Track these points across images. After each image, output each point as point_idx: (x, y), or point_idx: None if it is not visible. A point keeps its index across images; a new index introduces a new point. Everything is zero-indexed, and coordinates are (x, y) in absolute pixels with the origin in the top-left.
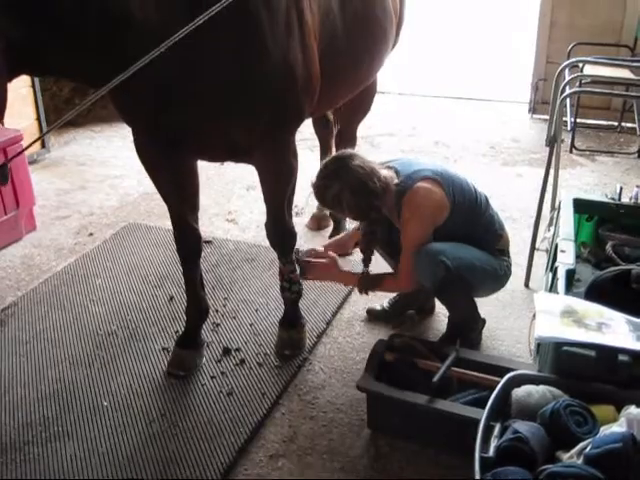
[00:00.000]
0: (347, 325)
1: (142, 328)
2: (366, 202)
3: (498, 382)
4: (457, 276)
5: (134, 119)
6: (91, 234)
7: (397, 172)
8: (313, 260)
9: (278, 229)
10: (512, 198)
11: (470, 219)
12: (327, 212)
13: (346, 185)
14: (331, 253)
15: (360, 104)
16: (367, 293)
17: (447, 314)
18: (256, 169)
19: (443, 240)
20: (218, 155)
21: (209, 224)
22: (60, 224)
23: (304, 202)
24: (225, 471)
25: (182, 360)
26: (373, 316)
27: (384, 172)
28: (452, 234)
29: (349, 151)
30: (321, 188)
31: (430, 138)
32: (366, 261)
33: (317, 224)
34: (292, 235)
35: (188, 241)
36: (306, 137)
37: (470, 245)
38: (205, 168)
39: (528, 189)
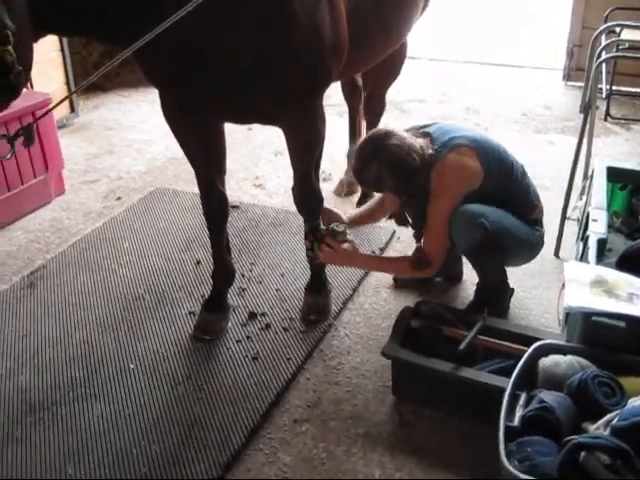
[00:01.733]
0: (373, 292)
1: (169, 292)
2: (406, 180)
3: (525, 351)
4: (494, 240)
5: (161, 81)
6: (119, 198)
7: (432, 139)
8: (331, 245)
9: (305, 193)
10: (544, 166)
11: (505, 188)
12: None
13: (384, 165)
14: (347, 243)
15: (389, 68)
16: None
17: (475, 282)
18: (283, 133)
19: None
20: (245, 118)
21: (236, 189)
22: (88, 188)
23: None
24: (249, 434)
25: (208, 324)
26: (400, 283)
27: (420, 142)
28: (486, 201)
29: (383, 129)
30: (360, 170)
31: (461, 105)
32: (417, 236)
33: (345, 190)
34: (319, 199)
35: (215, 204)
36: (335, 103)
37: (506, 212)
38: (232, 131)
39: (560, 157)
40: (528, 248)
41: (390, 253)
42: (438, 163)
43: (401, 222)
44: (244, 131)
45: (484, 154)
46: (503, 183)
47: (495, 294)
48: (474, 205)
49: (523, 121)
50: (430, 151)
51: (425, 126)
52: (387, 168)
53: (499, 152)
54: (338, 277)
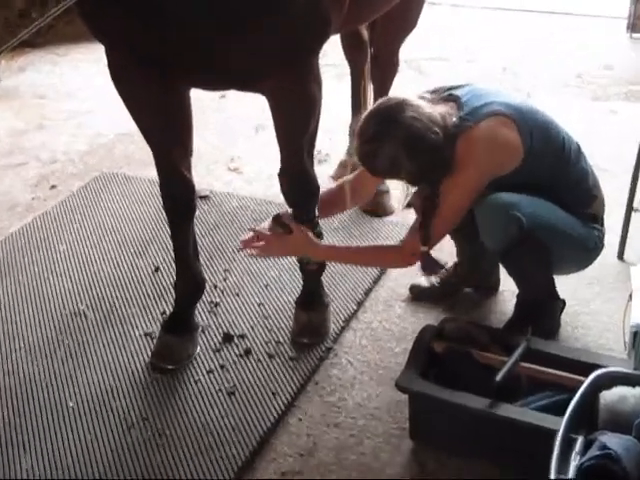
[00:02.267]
0: (384, 306)
1: (119, 308)
2: (429, 161)
3: (582, 382)
4: (533, 239)
5: (110, 35)
6: (53, 187)
7: (460, 105)
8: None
9: (295, 180)
10: (603, 142)
11: (553, 173)
12: None
13: (400, 146)
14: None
15: (402, 18)
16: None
17: (515, 293)
18: (268, 101)
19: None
20: (219, 81)
21: (206, 174)
22: (14, 174)
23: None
24: None
25: (170, 349)
26: (418, 294)
27: (440, 110)
28: (526, 190)
29: (394, 99)
30: (368, 154)
31: (495, 64)
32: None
33: (345, 174)
34: (313, 187)
35: (178, 195)
36: (333, 62)
37: (552, 203)
38: (201, 99)
39: (625, 131)
40: (582, 251)
41: None
42: (465, 133)
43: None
44: (216, 99)
45: (526, 126)
46: (550, 166)
47: (541, 309)
48: (505, 193)
49: (577, 85)
50: (454, 119)
51: (452, 88)
52: (404, 149)
53: (546, 125)
54: (339, 288)
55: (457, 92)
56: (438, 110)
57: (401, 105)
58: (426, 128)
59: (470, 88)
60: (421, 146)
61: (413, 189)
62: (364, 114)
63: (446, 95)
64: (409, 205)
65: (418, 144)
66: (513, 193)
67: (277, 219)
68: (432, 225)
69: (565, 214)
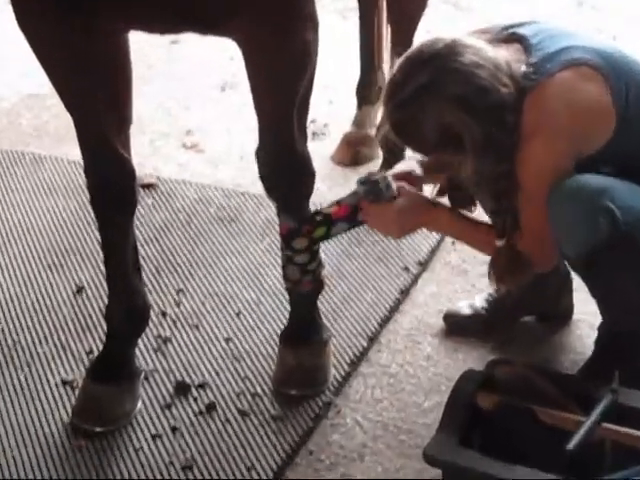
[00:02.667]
0: (407, 342)
1: (26, 345)
2: (499, 124)
3: None
4: (630, 242)
5: None
6: None
7: (529, 47)
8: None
9: (280, 161)
10: None
11: None
12: (371, 133)
13: (460, 104)
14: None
15: None
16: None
17: (596, 322)
18: (241, 49)
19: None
20: (168, 19)
21: (151, 152)
22: None
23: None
24: None
25: (99, 405)
26: (456, 326)
27: (504, 54)
28: (618, 171)
29: (441, 39)
30: (409, 122)
31: None
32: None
33: (351, 154)
34: (307, 172)
35: (111, 182)
36: None
37: None
38: (143, 47)
39: None
40: None
41: (437, 267)
42: (535, 90)
43: (460, 201)
44: (165, 46)
45: (620, 82)
46: None
47: (634, 346)
48: (592, 175)
49: None
50: (523, 68)
51: (513, 26)
52: (466, 110)
53: None
54: (342, 316)
55: (520, 30)
56: (502, 55)
57: (454, 47)
58: (492, 77)
59: (538, 26)
60: (486, 103)
61: (440, 174)
62: (398, 62)
63: (507, 34)
64: (442, 192)
65: (482, 100)
66: (603, 177)
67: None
68: (524, 224)
69: None
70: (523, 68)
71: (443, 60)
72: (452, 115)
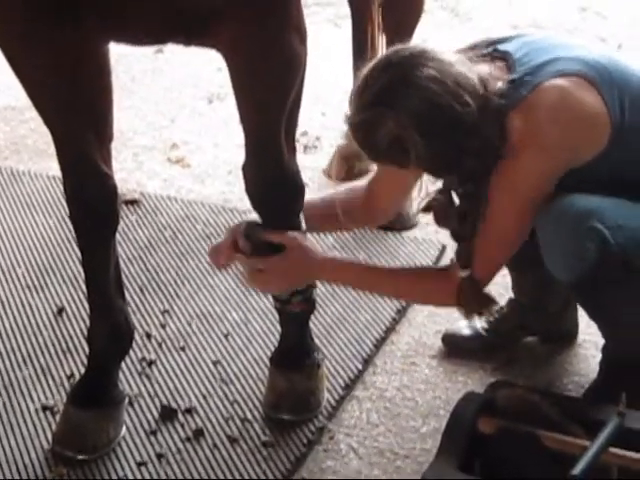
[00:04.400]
0: (404, 365)
1: (4, 368)
2: (450, 143)
3: None
4: (624, 263)
5: None
6: None
7: (512, 63)
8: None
9: (269, 177)
10: None
11: None
12: None
13: (410, 118)
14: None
15: None
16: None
17: (601, 343)
18: (226, 59)
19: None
20: (151, 28)
21: (135, 167)
22: None
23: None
24: None
25: (81, 431)
26: (456, 347)
27: (482, 70)
28: (611, 184)
29: (411, 48)
30: (363, 127)
31: (571, 2)
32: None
33: (345, 168)
34: (296, 188)
35: (92, 199)
36: (327, 0)
37: None
38: (126, 57)
39: None
40: None
41: None
42: (520, 104)
43: (445, 220)
44: (149, 56)
45: (614, 91)
46: None
47: (638, 367)
48: (581, 195)
49: None
50: (500, 84)
51: (498, 41)
52: (414, 122)
53: None
54: (336, 337)
55: (505, 46)
56: (477, 71)
57: (419, 57)
58: (450, 94)
59: (524, 40)
60: (439, 121)
61: (433, 186)
62: (365, 67)
63: (490, 51)
64: (427, 209)
65: (434, 118)
66: (590, 195)
67: (250, 236)
68: (477, 239)
69: None
70: (499, 85)
71: (402, 70)
72: (401, 128)
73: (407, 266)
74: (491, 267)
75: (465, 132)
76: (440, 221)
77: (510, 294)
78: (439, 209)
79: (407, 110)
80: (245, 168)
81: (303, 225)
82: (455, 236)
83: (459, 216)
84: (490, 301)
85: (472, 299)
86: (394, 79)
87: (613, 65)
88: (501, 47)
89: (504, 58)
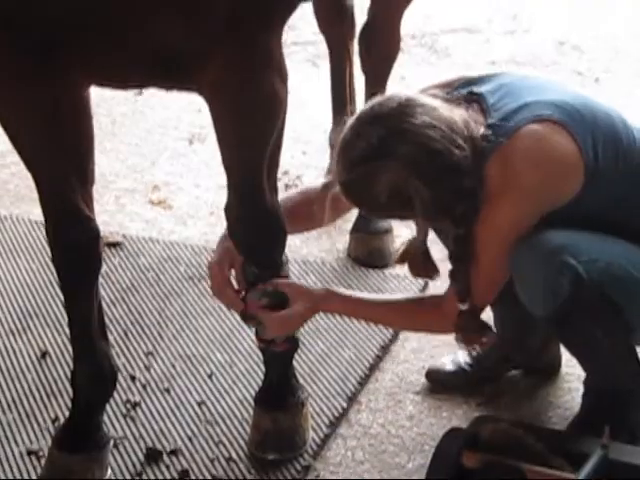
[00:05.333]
0: (389, 402)
1: None
2: (450, 187)
3: None
4: (598, 297)
5: None
6: None
7: (486, 108)
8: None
9: (250, 218)
10: None
11: (626, 200)
12: None
13: (409, 167)
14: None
15: None
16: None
17: (583, 375)
18: (206, 101)
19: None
20: (132, 74)
21: (117, 210)
22: None
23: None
24: None
25: (66, 475)
26: (440, 382)
27: (461, 115)
28: (588, 223)
29: (395, 97)
30: (358, 184)
31: (547, 36)
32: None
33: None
34: (277, 228)
35: (75, 242)
36: (305, 39)
37: (626, 243)
38: (107, 101)
39: None
40: None
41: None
42: (498, 150)
43: (421, 270)
44: (130, 99)
45: (587, 135)
46: (622, 192)
47: (623, 400)
48: (554, 231)
49: None
50: (482, 130)
51: (471, 82)
52: (415, 172)
53: (616, 132)
54: (320, 376)
55: (479, 88)
56: (459, 115)
57: (406, 106)
58: (446, 139)
59: (498, 82)
60: (439, 166)
61: (409, 235)
62: (348, 122)
63: (464, 93)
64: (404, 258)
65: (434, 163)
66: (564, 231)
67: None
68: (469, 276)
69: None
70: (482, 130)
71: (394, 120)
72: (401, 178)
73: (403, 298)
74: (485, 299)
75: (462, 175)
76: (415, 273)
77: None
78: (415, 261)
79: (406, 160)
80: (227, 209)
81: (285, 262)
82: (451, 275)
83: (455, 258)
84: (487, 327)
85: (471, 328)
86: (387, 131)
87: (586, 108)
88: (476, 89)
89: (478, 101)
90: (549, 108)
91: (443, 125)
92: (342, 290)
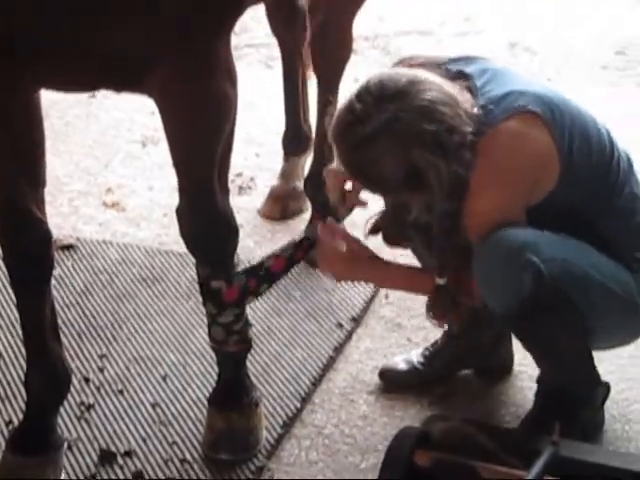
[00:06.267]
0: (342, 402)
1: None
2: (464, 164)
3: None
4: (558, 296)
5: None
6: None
7: (475, 89)
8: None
9: (202, 220)
10: None
11: (594, 198)
12: (299, 186)
13: (428, 144)
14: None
15: None
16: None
17: (536, 374)
18: (157, 105)
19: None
20: (83, 78)
21: (70, 212)
22: None
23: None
24: None
25: (20, 478)
26: (393, 382)
27: (459, 92)
28: (558, 222)
29: (402, 74)
30: (371, 163)
31: (499, 37)
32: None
33: (279, 208)
34: (229, 229)
35: (26, 245)
36: (259, 41)
37: (587, 245)
38: (59, 103)
39: None
40: (633, 312)
41: (371, 322)
42: (484, 137)
43: (395, 240)
44: (83, 102)
45: (564, 129)
46: (591, 188)
47: (575, 398)
48: (517, 229)
49: (618, 66)
50: (476, 109)
51: (460, 61)
52: (430, 148)
53: (587, 127)
54: (273, 376)
55: (468, 69)
56: (457, 91)
57: (418, 83)
58: (458, 116)
59: (484, 65)
60: (456, 142)
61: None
62: (351, 98)
63: (455, 72)
64: (375, 230)
65: (453, 140)
66: (528, 228)
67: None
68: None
69: (606, 260)
70: (476, 110)
71: (409, 97)
72: (418, 154)
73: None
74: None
75: (467, 149)
76: (390, 242)
77: (445, 326)
78: (389, 231)
79: (423, 135)
80: (179, 211)
81: (237, 264)
82: (437, 250)
83: (442, 233)
84: (460, 304)
85: (445, 303)
86: (402, 107)
87: (564, 104)
88: (465, 69)
89: (467, 80)
90: (532, 100)
91: (452, 101)
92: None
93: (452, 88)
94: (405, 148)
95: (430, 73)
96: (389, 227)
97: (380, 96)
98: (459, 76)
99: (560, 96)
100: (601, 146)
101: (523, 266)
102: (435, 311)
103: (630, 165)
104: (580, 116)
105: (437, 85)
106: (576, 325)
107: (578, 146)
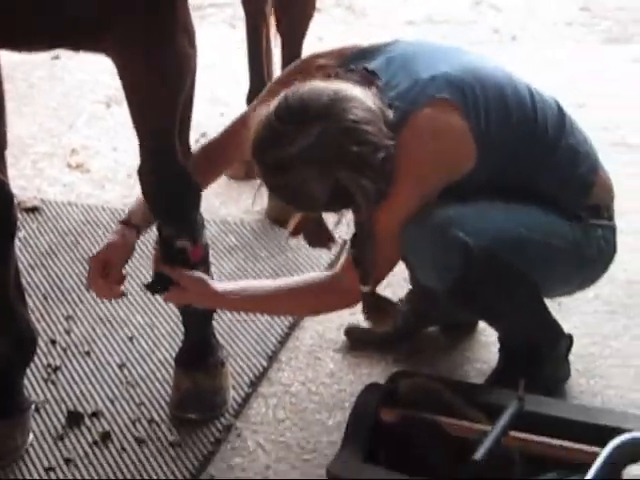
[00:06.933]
0: (309, 360)
1: None
2: (387, 178)
3: (598, 454)
4: (490, 262)
5: None
6: None
7: (381, 87)
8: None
9: (163, 179)
10: (622, 105)
11: (525, 155)
12: None
13: (353, 164)
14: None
15: None
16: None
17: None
18: (115, 64)
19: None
20: (40, 37)
21: (34, 174)
22: None
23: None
24: None
25: None
26: (358, 340)
27: (373, 102)
28: (489, 189)
29: (327, 90)
30: (297, 187)
31: None
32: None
33: (244, 167)
34: (190, 188)
35: None
36: (221, 1)
37: (526, 203)
38: (23, 64)
39: None
40: (578, 261)
41: None
42: (397, 133)
43: (316, 240)
44: (47, 62)
45: (476, 108)
46: (517, 154)
47: (537, 352)
48: (437, 208)
49: (583, 22)
50: (390, 114)
51: (365, 53)
52: (353, 168)
53: (504, 95)
54: (239, 336)
55: (372, 64)
56: (372, 101)
57: (340, 101)
58: (380, 132)
59: (390, 54)
60: (380, 160)
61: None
62: (267, 114)
63: (360, 71)
64: (298, 230)
65: (377, 158)
66: (451, 204)
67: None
68: (370, 259)
69: (542, 216)
70: (390, 115)
71: (332, 117)
72: (345, 175)
73: (293, 281)
74: (384, 274)
75: (390, 161)
76: (312, 243)
77: (409, 285)
78: (309, 232)
79: (347, 156)
80: (140, 170)
81: (201, 223)
82: (355, 260)
83: (360, 242)
84: (392, 304)
85: (377, 307)
86: (326, 129)
87: (475, 79)
88: (369, 66)
89: (372, 78)
90: (439, 85)
91: (375, 117)
92: (229, 286)
93: (370, 99)
94: (331, 170)
95: (347, 84)
96: (310, 229)
97: (302, 117)
98: (367, 77)
99: (471, 67)
100: (522, 109)
101: (449, 244)
102: (369, 316)
103: (563, 120)
104: (495, 84)
105: (359, 101)
106: (521, 287)
107: (495, 118)
